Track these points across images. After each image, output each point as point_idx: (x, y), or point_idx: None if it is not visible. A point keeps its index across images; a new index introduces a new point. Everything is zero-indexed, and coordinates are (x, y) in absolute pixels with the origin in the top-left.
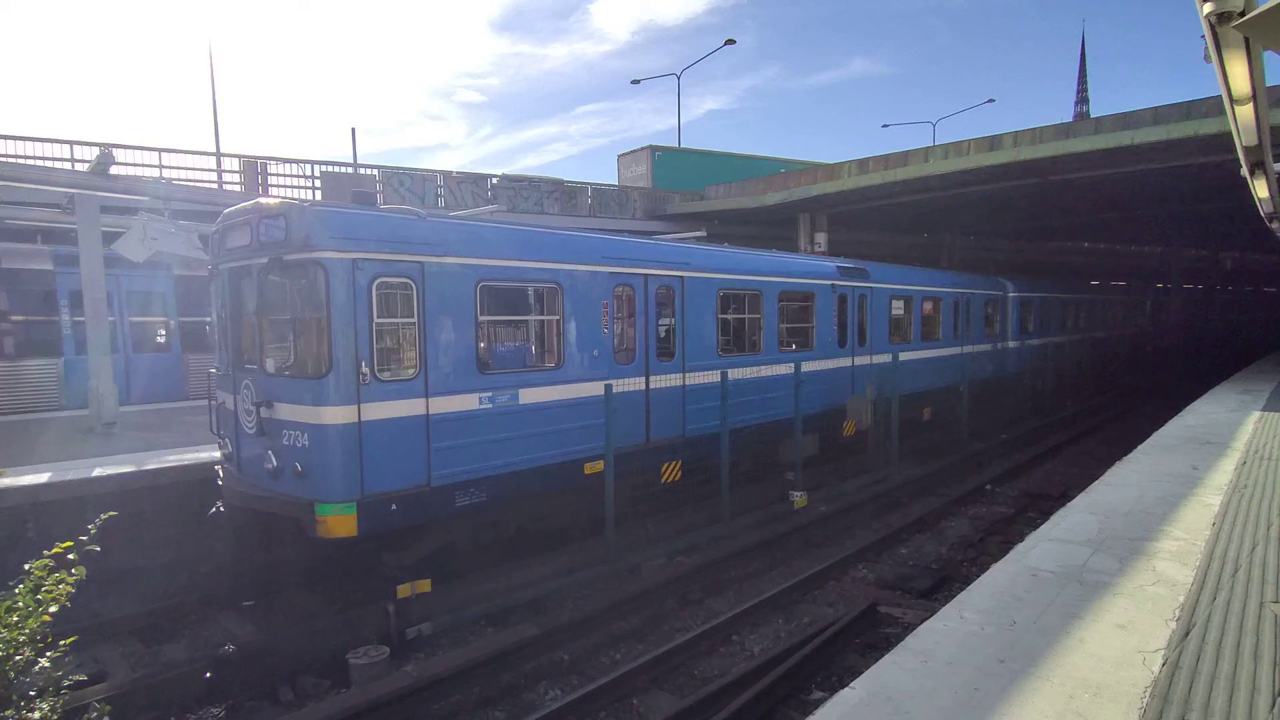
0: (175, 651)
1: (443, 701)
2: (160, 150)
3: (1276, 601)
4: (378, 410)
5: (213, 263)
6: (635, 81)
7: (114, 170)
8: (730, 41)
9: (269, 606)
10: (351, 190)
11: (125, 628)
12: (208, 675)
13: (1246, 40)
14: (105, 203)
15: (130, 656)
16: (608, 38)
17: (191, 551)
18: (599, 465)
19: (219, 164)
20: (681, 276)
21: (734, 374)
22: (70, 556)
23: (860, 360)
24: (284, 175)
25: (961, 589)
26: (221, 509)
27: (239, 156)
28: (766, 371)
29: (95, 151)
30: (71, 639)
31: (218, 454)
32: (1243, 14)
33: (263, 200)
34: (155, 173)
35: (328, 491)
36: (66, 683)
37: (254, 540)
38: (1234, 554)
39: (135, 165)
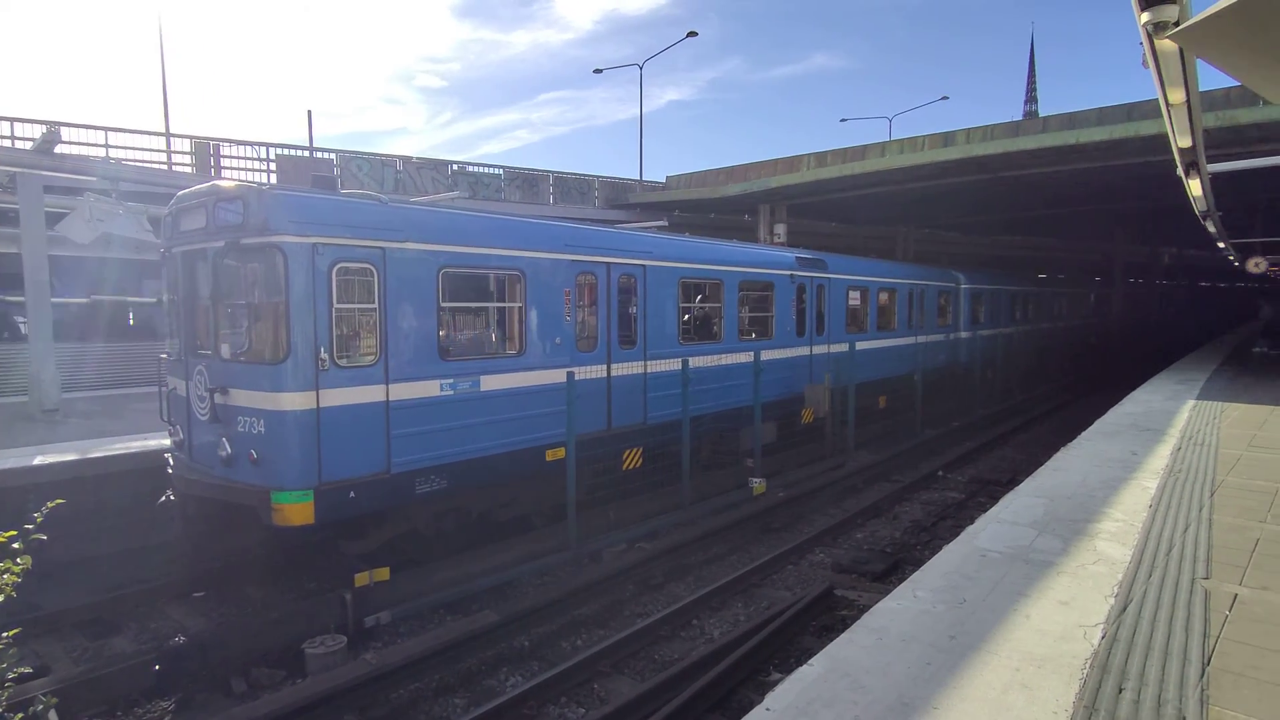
0: (122, 644)
1: (402, 689)
2: (107, 129)
3: (1207, 578)
4: (336, 397)
5: (165, 245)
6: (597, 71)
7: (58, 149)
8: (692, 34)
9: (221, 597)
10: (311, 174)
11: (68, 621)
12: (156, 668)
13: (1181, 48)
14: (49, 182)
15: (74, 650)
16: (571, 26)
17: (139, 542)
18: (560, 452)
19: (169, 144)
20: (644, 265)
21: (695, 362)
22: (15, 545)
23: (818, 349)
24: (238, 157)
25: (915, 571)
26: (171, 498)
27: (190, 137)
28: (727, 360)
29: (38, 129)
30: (15, 630)
31: (167, 441)
32: (1177, 24)
33: (220, 182)
34: (101, 152)
35: (284, 479)
36: (11, 675)
37: (205, 530)
38: (1169, 534)
39: (80, 144)
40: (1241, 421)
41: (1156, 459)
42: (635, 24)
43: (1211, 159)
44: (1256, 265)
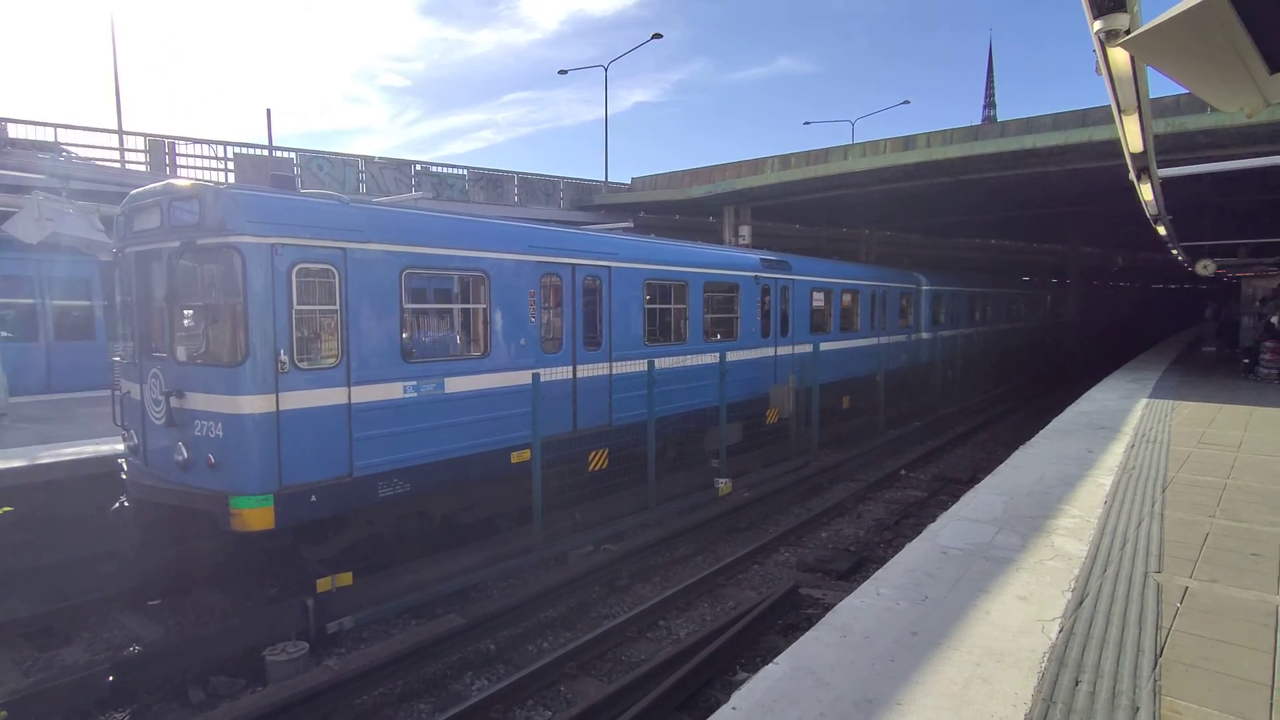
0: (74, 655)
1: (366, 695)
2: (57, 126)
3: (1159, 572)
4: (296, 399)
5: (118, 246)
6: (562, 72)
7: (6, 146)
8: (657, 36)
9: (178, 605)
10: (270, 174)
11: (16, 631)
12: (110, 678)
13: (1132, 56)
14: None
15: (23, 662)
16: (537, 26)
17: (91, 550)
18: (526, 454)
19: (122, 142)
20: (609, 267)
21: (660, 363)
22: None
23: (782, 350)
24: (194, 156)
25: (878, 569)
26: (126, 504)
27: (144, 135)
28: (692, 361)
29: None
30: None
31: (121, 446)
32: (1129, 32)
33: (175, 181)
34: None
35: (243, 483)
36: None
37: (161, 536)
38: (1123, 529)
39: (29, 141)
40: (1192, 419)
41: (1111, 456)
42: (601, 25)
43: (1162, 164)
44: (1205, 268)
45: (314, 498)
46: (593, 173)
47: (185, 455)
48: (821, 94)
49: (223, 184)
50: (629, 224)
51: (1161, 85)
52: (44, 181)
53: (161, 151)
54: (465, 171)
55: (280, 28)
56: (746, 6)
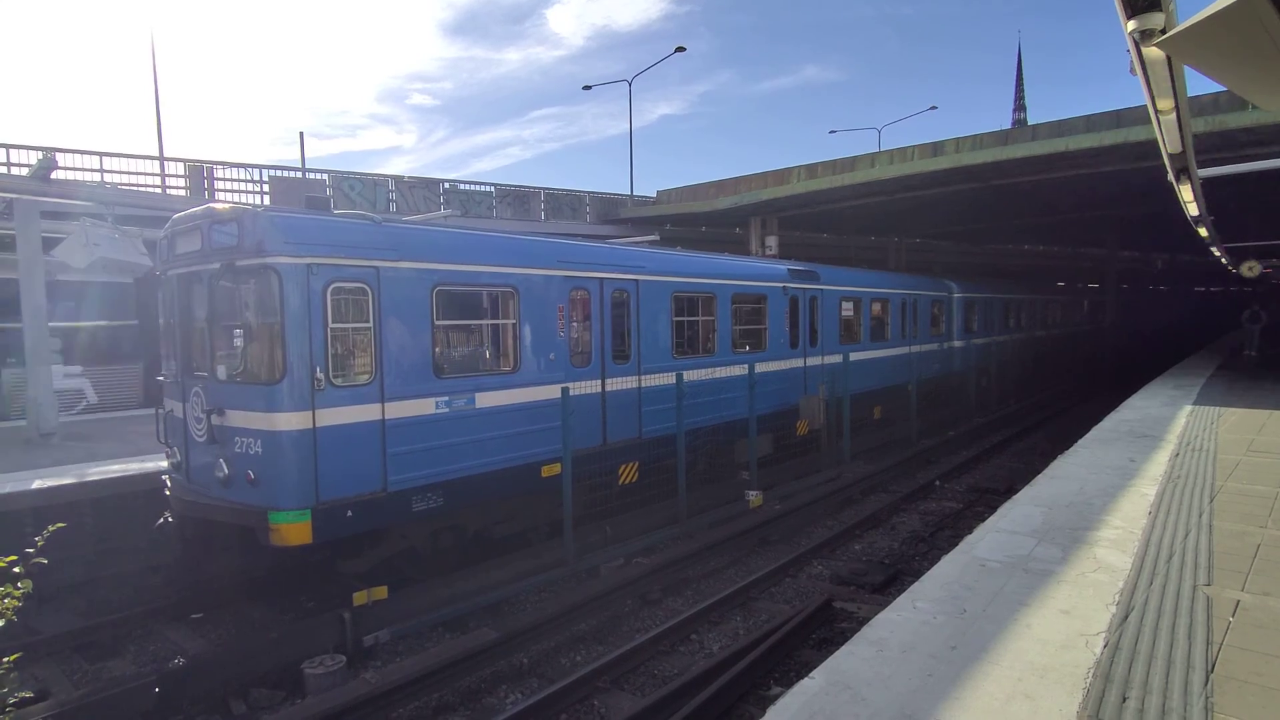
0: (121, 667)
1: (402, 708)
2: (102, 154)
3: (1208, 585)
4: (332, 416)
5: (161, 268)
6: (587, 88)
7: (54, 175)
8: (680, 49)
9: (219, 619)
10: (305, 195)
11: (66, 644)
12: (156, 690)
13: (1168, 56)
14: (45, 208)
15: (73, 674)
16: (562, 43)
17: (136, 564)
18: (556, 468)
19: (163, 168)
20: (636, 280)
21: (689, 375)
22: (16, 570)
23: (812, 361)
24: (231, 180)
25: (914, 582)
26: (169, 519)
27: (184, 161)
28: (721, 373)
29: (33, 155)
30: (15, 655)
31: (164, 463)
32: (1164, 31)
33: (214, 205)
34: (96, 177)
35: (282, 499)
36: (12, 700)
37: (203, 551)
38: (1169, 541)
39: (76, 169)
40: (1239, 426)
41: (1155, 465)
42: (627, 40)
43: (1202, 164)
44: (1250, 269)
45: (350, 512)
46: (619, 187)
47: (226, 471)
48: (847, 102)
49: (260, 207)
50: (655, 237)
51: (1200, 82)
52: (88, 207)
53: (200, 176)
54: (492, 189)
55: (312, 53)
56: (771, 16)
